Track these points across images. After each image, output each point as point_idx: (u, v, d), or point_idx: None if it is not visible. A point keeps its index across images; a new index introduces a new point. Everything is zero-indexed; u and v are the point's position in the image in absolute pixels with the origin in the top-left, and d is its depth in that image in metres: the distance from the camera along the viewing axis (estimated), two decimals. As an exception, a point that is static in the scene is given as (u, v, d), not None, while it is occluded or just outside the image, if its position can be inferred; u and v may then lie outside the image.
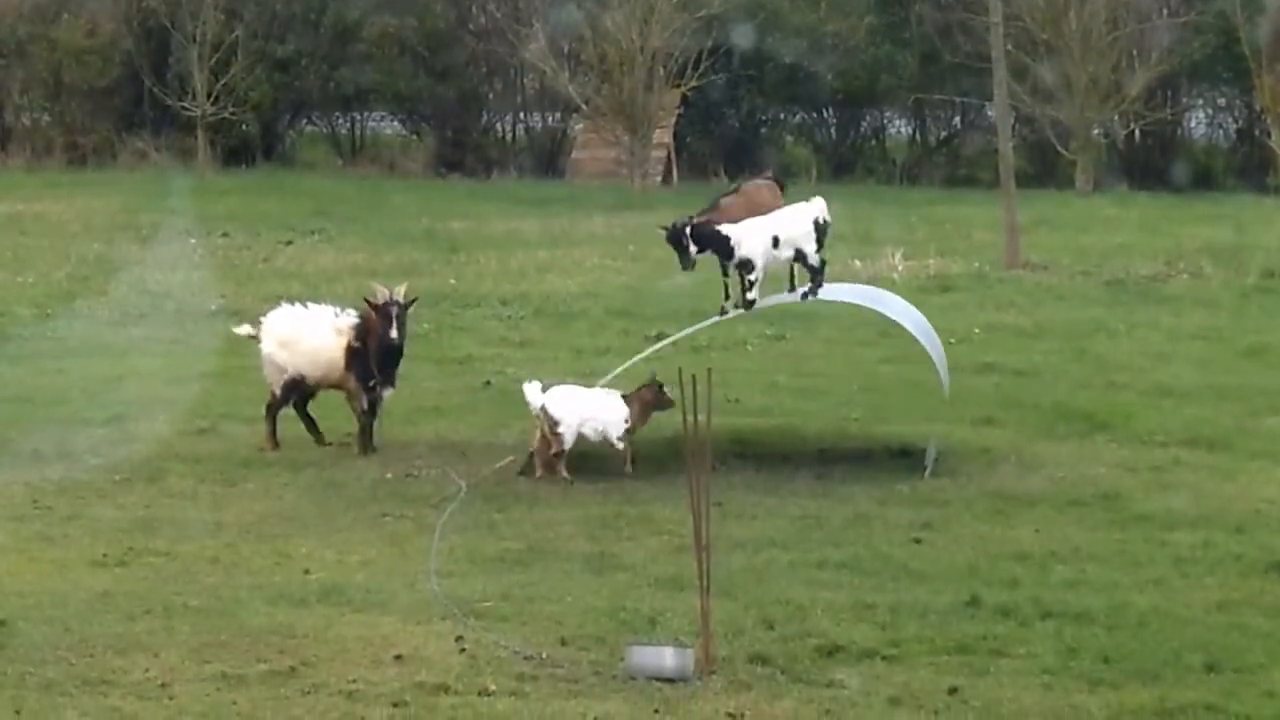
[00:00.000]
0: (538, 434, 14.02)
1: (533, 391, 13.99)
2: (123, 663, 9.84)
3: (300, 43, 40.65)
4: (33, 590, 11.06)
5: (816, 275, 14.22)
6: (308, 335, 14.91)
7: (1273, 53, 34.77)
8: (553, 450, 13.93)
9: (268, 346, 15.02)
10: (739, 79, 39.11)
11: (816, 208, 14.19)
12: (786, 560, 11.81)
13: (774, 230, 14.11)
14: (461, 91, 40.99)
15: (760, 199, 14.75)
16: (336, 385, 14.90)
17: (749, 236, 14.09)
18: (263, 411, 15.08)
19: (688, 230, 14.21)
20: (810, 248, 14.09)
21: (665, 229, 14.42)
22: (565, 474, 13.89)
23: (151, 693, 9.45)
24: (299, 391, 14.98)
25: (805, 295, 14.33)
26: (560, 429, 13.90)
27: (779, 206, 14.63)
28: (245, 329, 15.43)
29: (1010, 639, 10.25)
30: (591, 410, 14.07)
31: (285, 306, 15.31)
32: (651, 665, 9.67)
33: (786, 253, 14.13)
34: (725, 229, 14.15)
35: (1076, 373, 18.25)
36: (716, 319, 14.71)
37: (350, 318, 14.89)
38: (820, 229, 14.09)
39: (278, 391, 14.95)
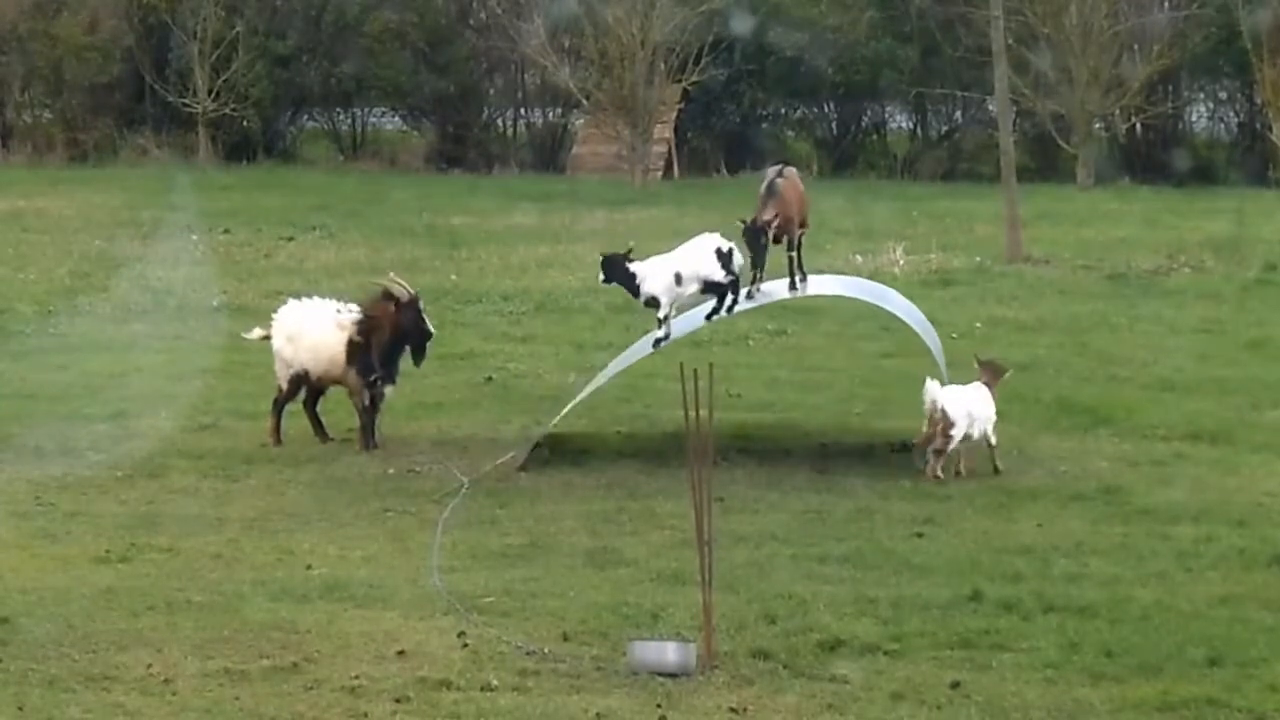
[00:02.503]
0: (928, 429, 13.83)
1: (935, 389, 13.85)
2: (125, 659, 9.85)
3: (301, 38, 40.67)
4: (35, 586, 11.06)
5: (733, 288, 13.99)
6: (310, 330, 14.92)
7: (1274, 46, 34.74)
8: (934, 447, 13.75)
9: (277, 341, 15.03)
10: (740, 73, 39.11)
11: (714, 240, 14.04)
12: (788, 555, 11.82)
13: (676, 268, 14.02)
14: (462, 87, 40.99)
15: (799, 186, 14.68)
16: (338, 381, 14.90)
17: (652, 275, 14.03)
18: (265, 407, 15.09)
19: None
20: (717, 275, 13.92)
21: (744, 224, 14.25)
22: (940, 474, 13.69)
23: (154, 688, 9.45)
24: (304, 387, 14.98)
25: (709, 317, 14.19)
26: (953, 430, 13.74)
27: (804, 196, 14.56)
28: (256, 332, 15.43)
29: (1012, 633, 10.25)
30: (978, 409, 13.90)
31: (292, 301, 15.33)
32: (653, 660, 9.68)
33: (692, 287, 14.03)
34: (633, 266, 14.04)
35: (1078, 367, 18.25)
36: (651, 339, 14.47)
37: (352, 313, 14.89)
38: (724, 256, 13.92)
39: (284, 386, 14.96)
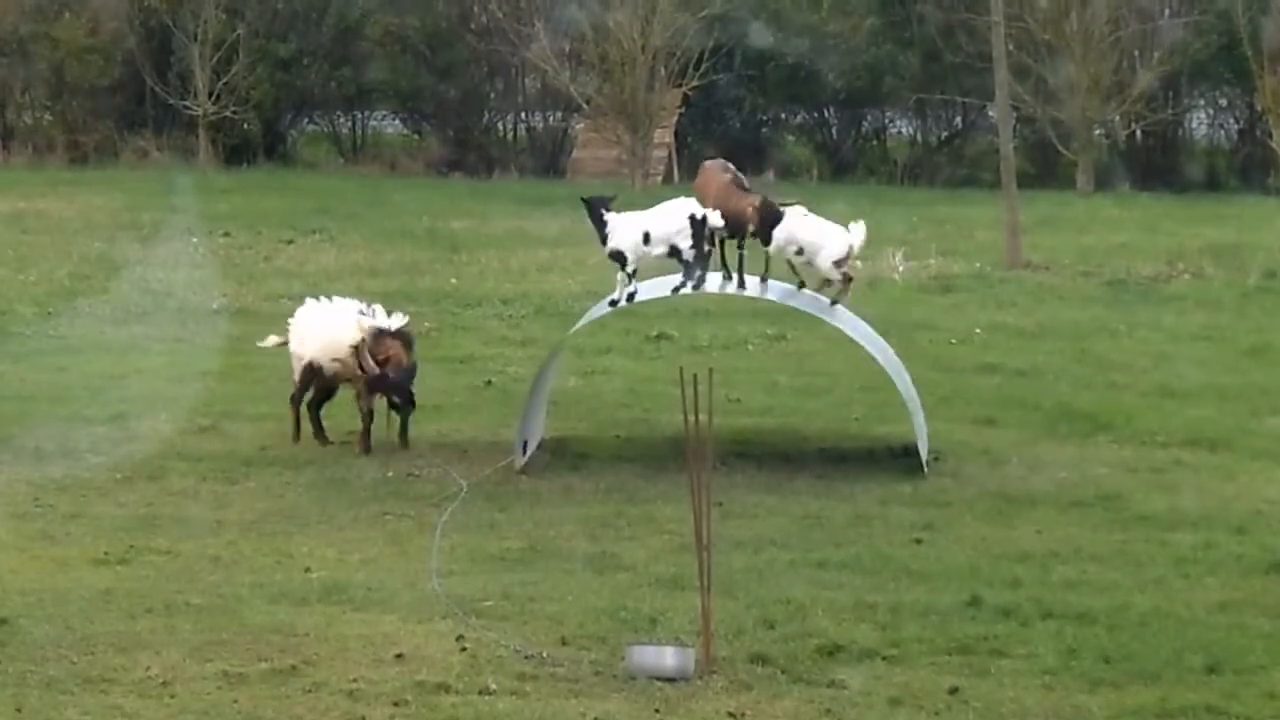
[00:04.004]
0: None
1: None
2: (124, 661, 9.85)
3: (302, 41, 40.65)
4: (34, 588, 11.06)
5: (690, 269, 13.88)
6: (325, 326, 14.83)
7: (1275, 53, 34.75)
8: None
9: (293, 343, 15.02)
10: (741, 79, 39.13)
11: (690, 205, 13.91)
12: (787, 560, 11.81)
13: (646, 226, 13.92)
14: (463, 91, 41.00)
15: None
16: (349, 380, 14.85)
17: (621, 229, 13.93)
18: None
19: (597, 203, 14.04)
20: (685, 244, 13.82)
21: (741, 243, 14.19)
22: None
23: (153, 691, 9.45)
24: (316, 379, 14.85)
25: (677, 289, 14.08)
26: None
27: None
28: (271, 340, 15.39)
29: (1011, 639, 10.25)
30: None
31: (310, 301, 15.30)
32: (652, 665, 9.68)
33: (659, 249, 13.91)
34: (608, 216, 13.99)
35: (1078, 373, 18.25)
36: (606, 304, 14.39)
37: (373, 318, 14.79)
38: (697, 223, 13.78)
39: (297, 379, 14.89)
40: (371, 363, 14.52)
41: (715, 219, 13.82)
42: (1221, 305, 22.40)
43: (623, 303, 14.24)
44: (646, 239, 13.90)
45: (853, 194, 31.57)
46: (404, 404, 14.72)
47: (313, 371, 14.87)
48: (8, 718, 9.10)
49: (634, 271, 14.05)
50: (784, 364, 18.62)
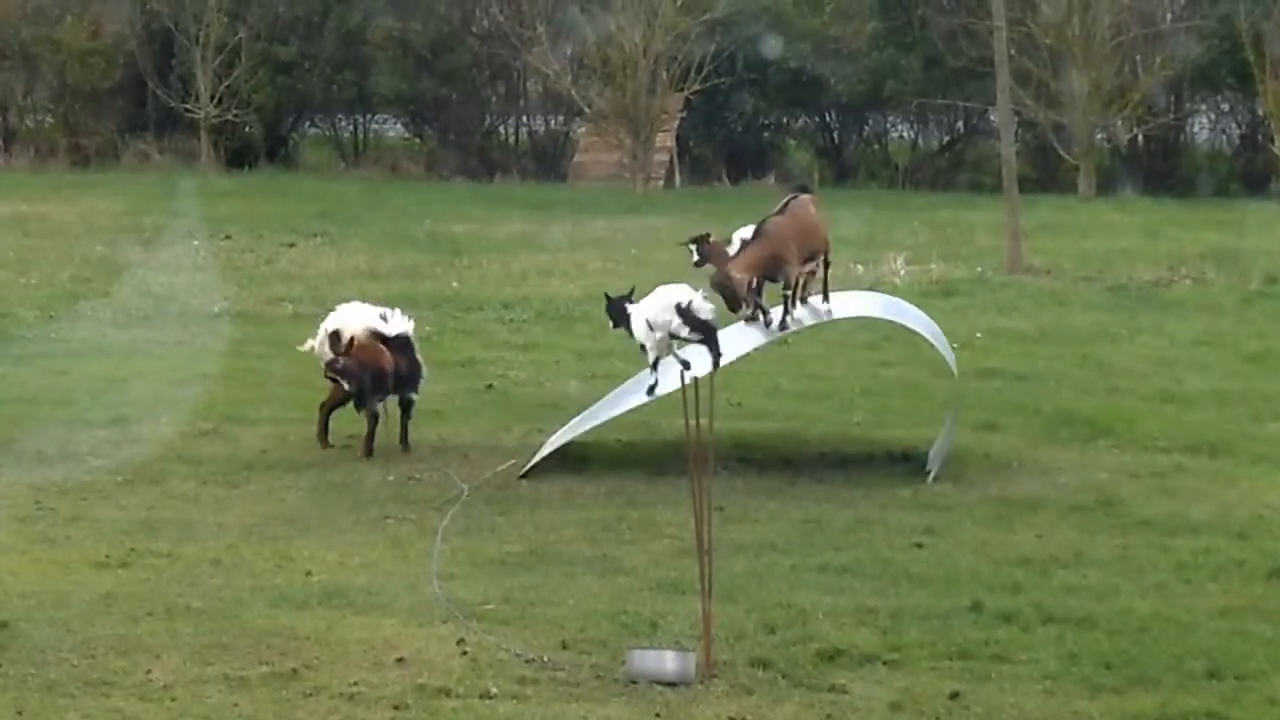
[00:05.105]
0: None
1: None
2: (125, 664, 9.85)
3: (304, 45, 40.72)
4: (35, 591, 11.06)
5: (713, 342, 12.48)
6: (349, 326, 14.85)
7: (1277, 59, 34.78)
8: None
9: (319, 348, 15.00)
10: (743, 83, 39.17)
11: (675, 293, 12.55)
12: (788, 564, 11.81)
13: (646, 314, 12.75)
14: (465, 94, 41.06)
15: (807, 216, 13.96)
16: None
17: (634, 319, 12.84)
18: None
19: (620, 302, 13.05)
20: (682, 333, 12.49)
21: (690, 241, 13.92)
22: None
23: (153, 694, 9.45)
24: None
25: (716, 363, 12.59)
26: None
27: (819, 222, 13.98)
28: (309, 344, 15.36)
29: (1012, 644, 10.25)
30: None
31: (344, 305, 15.32)
32: (652, 669, 9.68)
33: (659, 334, 12.69)
34: (630, 309, 12.86)
35: (1079, 378, 18.25)
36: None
37: (388, 323, 14.79)
38: (684, 310, 12.37)
39: (316, 346, 14.83)
40: (327, 349, 14.56)
41: (703, 306, 12.53)
42: (1223, 310, 22.41)
43: (659, 389, 13.55)
44: (650, 326, 13.13)
45: (853, 198, 31.62)
46: (357, 404, 14.65)
47: (337, 337, 14.77)
48: (8, 721, 9.11)
49: (655, 361, 13.22)
50: (785, 368, 18.61)
